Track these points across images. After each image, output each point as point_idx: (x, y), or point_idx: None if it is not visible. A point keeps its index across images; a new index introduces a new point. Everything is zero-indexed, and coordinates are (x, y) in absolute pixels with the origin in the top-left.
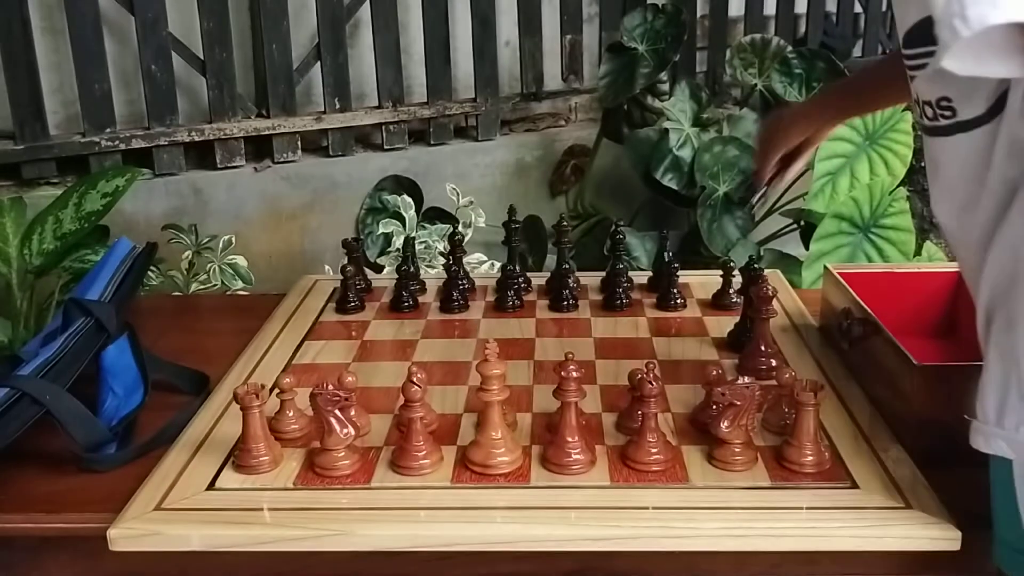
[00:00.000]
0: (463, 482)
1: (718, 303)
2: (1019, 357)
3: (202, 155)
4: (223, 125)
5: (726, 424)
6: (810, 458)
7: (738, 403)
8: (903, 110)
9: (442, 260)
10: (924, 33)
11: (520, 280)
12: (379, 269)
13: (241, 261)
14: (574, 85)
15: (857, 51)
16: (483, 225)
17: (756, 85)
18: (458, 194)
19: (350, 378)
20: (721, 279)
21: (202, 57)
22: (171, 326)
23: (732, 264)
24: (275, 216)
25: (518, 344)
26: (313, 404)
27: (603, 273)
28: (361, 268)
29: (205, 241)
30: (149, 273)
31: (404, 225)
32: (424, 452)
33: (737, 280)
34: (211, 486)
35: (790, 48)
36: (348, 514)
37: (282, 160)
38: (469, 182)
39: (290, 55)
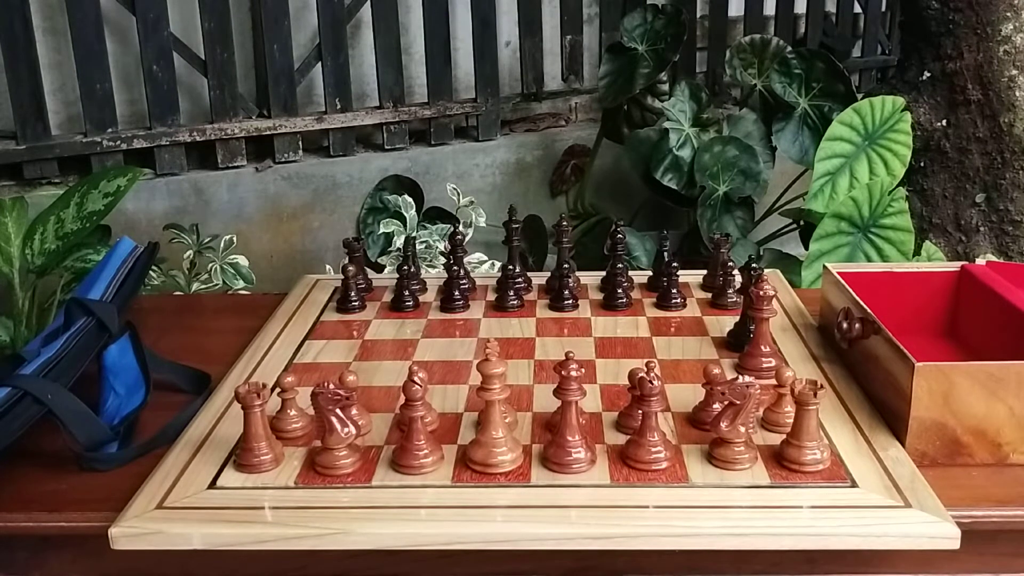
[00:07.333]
0: (464, 481)
1: (717, 302)
2: None
3: (203, 155)
4: (224, 125)
5: (726, 423)
6: (810, 457)
7: (738, 402)
8: (902, 110)
9: (443, 260)
10: None
11: (520, 280)
12: (380, 269)
13: (242, 261)
14: (574, 85)
15: (856, 51)
16: (483, 225)
17: (756, 85)
18: (458, 194)
19: (351, 377)
20: (721, 279)
21: (203, 57)
22: (172, 325)
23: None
24: (276, 216)
25: (518, 343)
26: (314, 403)
27: (603, 273)
28: (362, 268)
29: (206, 241)
30: (151, 273)
31: (405, 225)
32: (425, 451)
33: (737, 279)
34: (212, 485)
35: (789, 48)
36: (349, 513)
37: (283, 160)
38: (469, 182)
39: (291, 55)
